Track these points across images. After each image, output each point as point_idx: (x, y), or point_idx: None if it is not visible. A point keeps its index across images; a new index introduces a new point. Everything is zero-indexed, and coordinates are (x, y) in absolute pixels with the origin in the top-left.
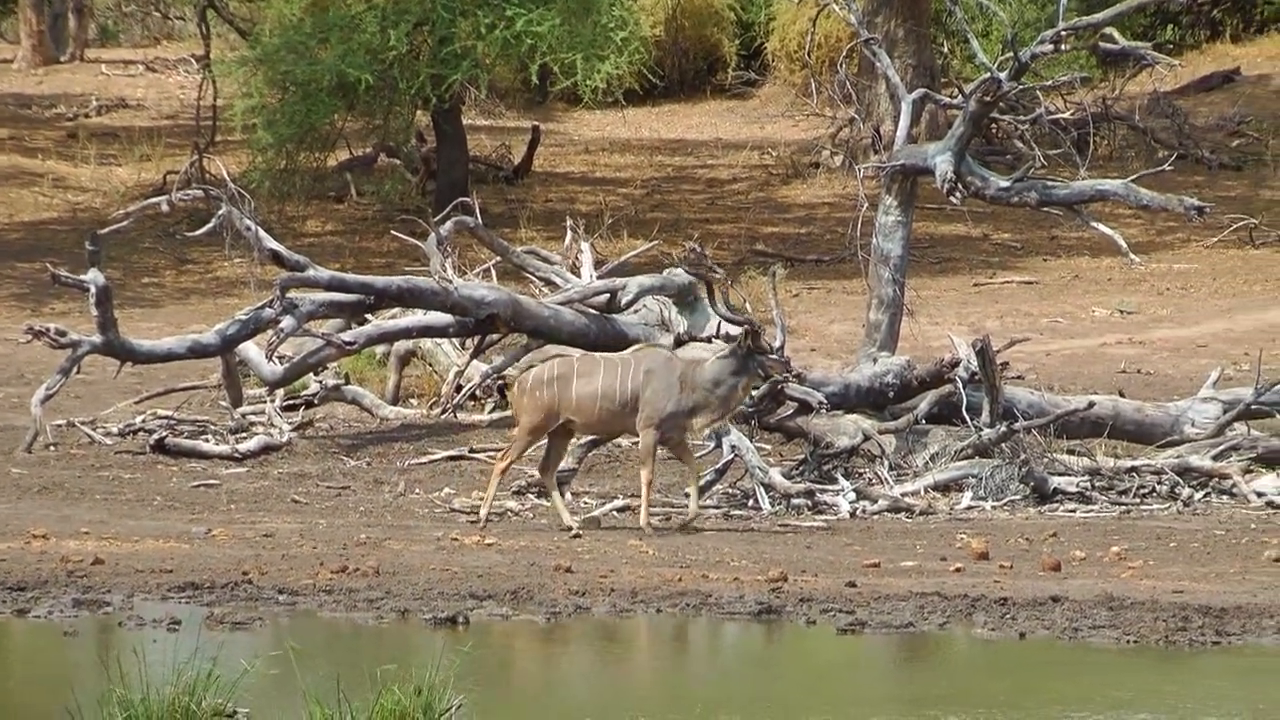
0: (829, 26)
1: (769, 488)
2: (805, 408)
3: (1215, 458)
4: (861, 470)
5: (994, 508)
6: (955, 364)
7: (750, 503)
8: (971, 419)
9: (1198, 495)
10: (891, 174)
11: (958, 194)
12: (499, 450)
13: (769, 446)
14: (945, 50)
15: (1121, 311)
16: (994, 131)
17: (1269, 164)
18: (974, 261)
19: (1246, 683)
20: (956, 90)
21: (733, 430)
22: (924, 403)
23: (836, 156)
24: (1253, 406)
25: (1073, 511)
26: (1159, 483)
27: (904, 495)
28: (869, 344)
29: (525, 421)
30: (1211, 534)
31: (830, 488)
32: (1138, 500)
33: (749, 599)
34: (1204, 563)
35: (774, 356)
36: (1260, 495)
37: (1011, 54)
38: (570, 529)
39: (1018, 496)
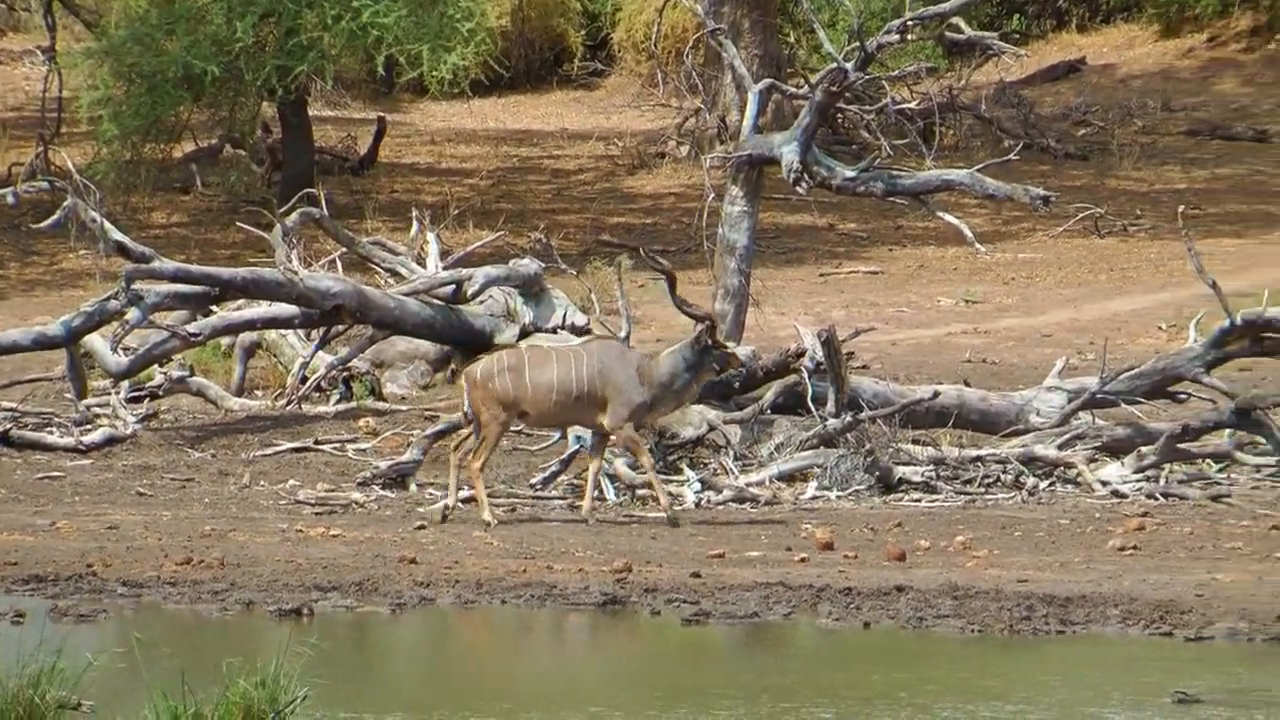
0: (675, 17)
1: (614, 478)
2: None
3: (1060, 447)
4: (707, 460)
5: (839, 497)
6: (801, 354)
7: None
8: (817, 409)
9: (1043, 484)
10: (738, 164)
11: (804, 184)
12: (343, 442)
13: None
14: (792, 40)
15: (967, 301)
16: (840, 121)
17: (1115, 153)
18: (820, 251)
19: (1091, 671)
20: (803, 80)
21: None
22: (770, 393)
23: (683, 147)
24: (1098, 396)
25: (918, 501)
26: (1004, 472)
27: (749, 485)
28: None
29: (488, 415)
30: (1056, 523)
31: (675, 478)
32: (983, 489)
33: (594, 590)
34: (1049, 552)
35: (730, 350)
36: (1105, 484)
37: (858, 44)
38: (448, 509)
39: (863, 486)
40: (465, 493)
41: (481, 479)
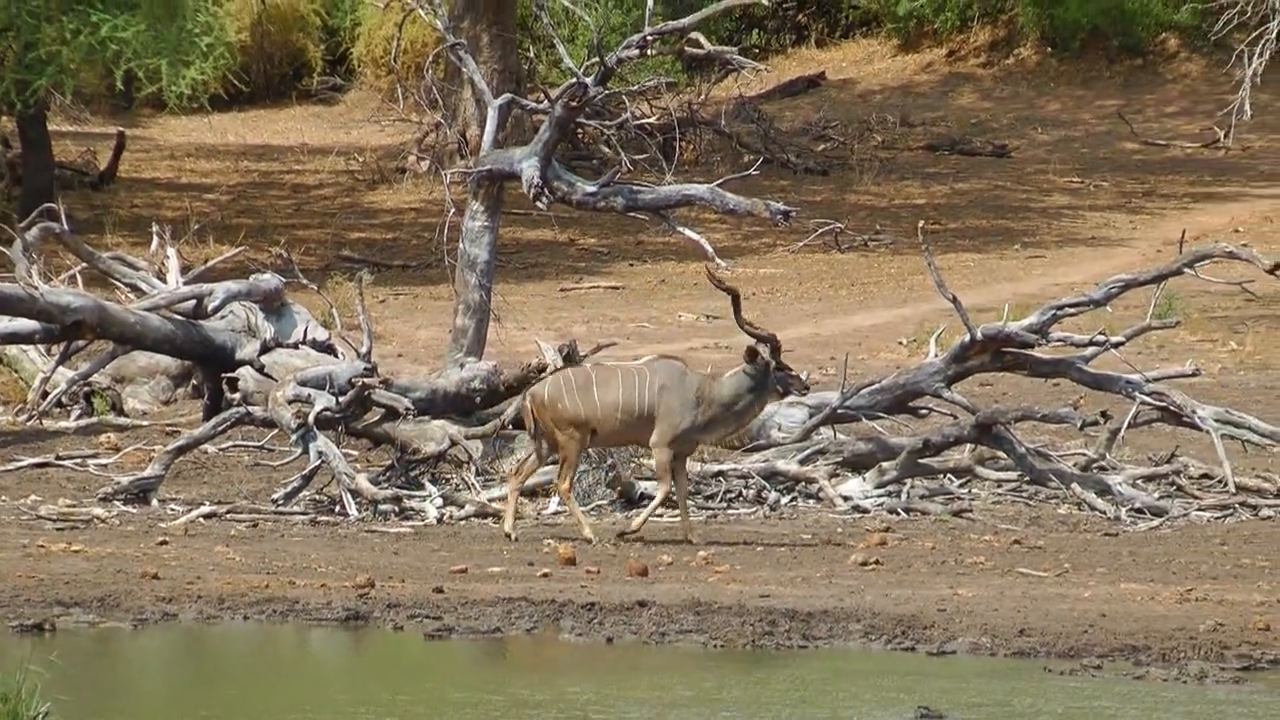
0: (415, 31)
1: (356, 494)
2: (392, 413)
3: (802, 462)
4: (449, 476)
5: (581, 512)
6: (542, 369)
7: (337, 509)
8: None
9: (784, 499)
10: (478, 179)
11: (544, 199)
12: (84, 457)
13: (356, 452)
14: (532, 55)
15: (708, 316)
16: (581, 136)
17: (854, 168)
18: (561, 266)
19: (834, 686)
20: (543, 95)
21: (319, 436)
22: (511, 408)
23: (423, 162)
24: (839, 411)
25: (660, 516)
26: (746, 487)
27: (491, 501)
28: (456, 349)
29: (564, 436)
30: (798, 538)
31: (417, 493)
32: (725, 505)
33: (336, 605)
34: (790, 567)
35: (793, 373)
36: (846, 499)
37: (598, 59)
38: (510, 535)
39: (605, 501)
40: (205, 509)
41: (572, 497)
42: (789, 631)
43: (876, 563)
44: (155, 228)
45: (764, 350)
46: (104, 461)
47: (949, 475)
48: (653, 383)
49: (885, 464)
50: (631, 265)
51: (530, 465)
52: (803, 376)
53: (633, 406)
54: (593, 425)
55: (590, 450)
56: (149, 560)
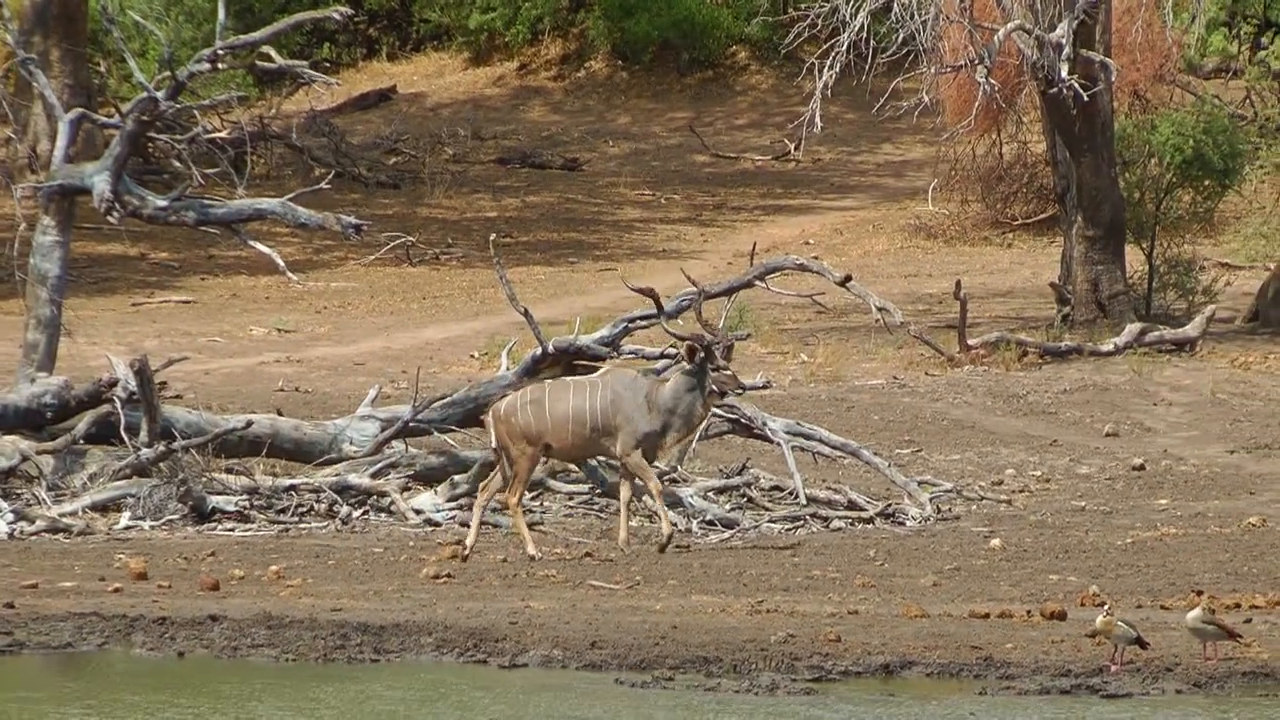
0: None
1: None
2: None
3: (374, 475)
4: (20, 491)
5: (153, 527)
6: (113, 384)
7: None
8: (130, 439)
9: (356, 513)
10: (49, 194)
11: (115, 213)
12: None
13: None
14: (104, 70)
15: (280, 330)
16: (152, 151)
17: (425, 182)
18: (132, 281)
19: (402, 700)
20: (115, 110)
21: None
22: (82, 423)
23: None
24: (411, 424)
25: (231, 530)
26: (318, 501)
27: (62, 515)
28: (27, 364)
29: (516, 450)
30: (370, 552)
31: None
32: (296, 519)
33: None
34: (363, 580)
35: (726, 372)
36: (418, 513)
37: (169, 73)
38: (465, 548)
39: (176, 516)
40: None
41: (520, 512)
42: (361, 645)
43: (449, 576)
44: None
45: (697, 351)
46: None
47: None
48: (604, 394)
49: (457, 477)
50: (203, 279)
51: (495, 482)
52: (746, 378)
53: (584, 418)
54: (546, 439)
55: (161, 465)
56: None
